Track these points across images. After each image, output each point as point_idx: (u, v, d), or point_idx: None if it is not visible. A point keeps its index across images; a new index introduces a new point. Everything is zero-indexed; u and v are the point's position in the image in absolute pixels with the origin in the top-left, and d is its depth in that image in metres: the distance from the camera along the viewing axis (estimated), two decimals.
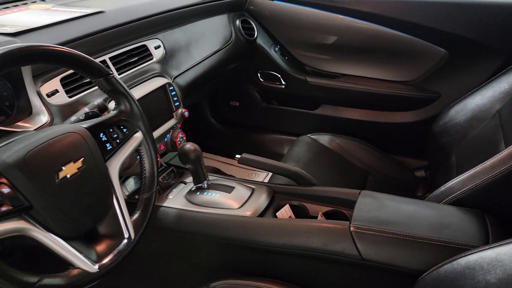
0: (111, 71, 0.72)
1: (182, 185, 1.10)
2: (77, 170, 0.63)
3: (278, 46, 1.71)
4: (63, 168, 0.61)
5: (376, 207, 0.91)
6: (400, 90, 1.55)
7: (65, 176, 0.61)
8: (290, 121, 1.79)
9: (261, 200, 1.01)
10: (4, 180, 0.56)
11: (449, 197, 0.93)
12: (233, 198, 1.02)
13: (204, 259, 1.00)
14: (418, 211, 0.89)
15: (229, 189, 1.04)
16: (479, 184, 0.89)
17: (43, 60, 0.62)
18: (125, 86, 0.74)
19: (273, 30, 1.69)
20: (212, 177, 1.09)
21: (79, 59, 0.66)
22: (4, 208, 0.55)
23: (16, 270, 0.54)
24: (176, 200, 1.04)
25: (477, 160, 0.92)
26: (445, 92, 1.48)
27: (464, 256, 0.66)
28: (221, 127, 1.93)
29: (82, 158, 0.64)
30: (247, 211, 0.97)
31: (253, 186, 1.06)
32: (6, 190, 0.55)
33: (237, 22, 1.58)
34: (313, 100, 1.72)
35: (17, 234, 0.57)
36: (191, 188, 1.07)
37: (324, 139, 1.49)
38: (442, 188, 0.96)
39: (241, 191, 1.04)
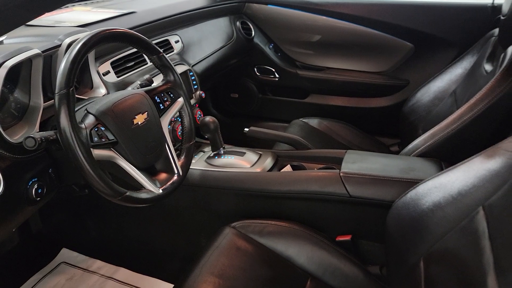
0: (161, 51, 0.96)
1: (202, 153, 1.34)
2: (144, 120, 0.87)
3: (272, 44, 1.97)
4: (136, 117, 0.85)
5: (360, 159, 1.16)
6: (375, 79, 1.82)
7: (137, 123, 0.85)
8: (284, 109, 2.04)
9: (267, 161, 1.26)
10: (99, 122, 0.79)
11: (415, 152, 1.20)
12: (245, 160, 1.26)
13: (224, 208, 1.23)
14: (391, 161, 1.15)
15: (241, 154, 1.28)
16: (437, 140, 1.16)
17: (119, 40, 0.86)
18: (171, 62, 0.98)
19: (267, 30, 1.95)
20: (227, 146, 1.33)
21: (142, 40, 0.90)
22: (103, 140, 0.78)
23: (111, 181, 0.77)
24: (198, 163, 1.27)
25: None
26: (413, 79, 1.76)
27: (422, 183, 0.92)
28: (223, 117, 2.16)
29: (146, 112, 0.88)
30: (257, 169, 1.22)
31: (260, 152, 1.31)
32: (103, 128, 0.79)
33: (238, 23, 1.84)
34: (303, 90, 1.99)
35: (108, 160, 0.80)
36: (210, 155, 1.30)
37: (313, 122, 1.75)
38: (410, 146, 1.23)
39: (251, 155, 1.28)
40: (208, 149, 1.34)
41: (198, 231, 1.29)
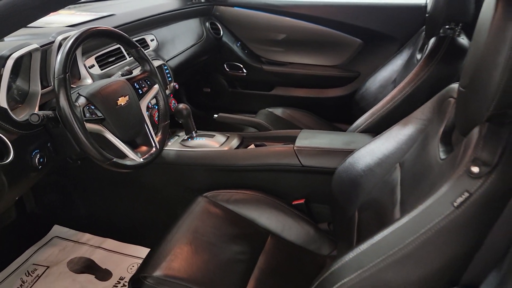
0: (139, 46, 1.15)
1: (176, 137, 1.53)
2: (126, 102, 1.05)
3: (239, 43, 2.18)
4: (119, 99, 1.03)
5: (311, 136, 1.38)
6: (331, 72, 2.05)
7: (120, 104, 1.03)
8: (251, 101, 2.24)
9: (234, 141, 1.46)
10: (90, 102, 0.98)
11: (358, 129, 1.42)
12: (214, 141, 1.46)
13: (197, 182, 1.42)
14: (337, 136, 1.37)
15: (211, 136, 1.48)
16: (374, 119, 1.38)
17: (104, 36, 1.05)
18: (147, 55, 1.17)
19: (234, 30, 2.16)
20: (198, 131, 1.52)
21: (123, 36, 1.09)
22: (93, 116, 0.97)
23: (102, 148, 0.95)
24: (174, 145, 1.46)
25: None
26: (363, 71, 1.99)
27: (357, 151, 1.13)
28: (196, 110, 2.35)
29: (128, 95, 1.06)
30: (225, 148, 1.42)
31: (228, 134, 1.51)
32: (93, 107, 0.97)
33: (207, 24, 2.04)
34: (268, 84, 2.20)
35: (98, 133, 0.98)
36: (183, 138, 1.49)
37: (278, 111, 1.95)
38: (354, 124, 1.45)
39: (219, 137, 1.48)
40: (182, 133, 1.53)
41: (175, 204, 1.47)
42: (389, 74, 1.73)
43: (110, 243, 1.50)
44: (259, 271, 1.09)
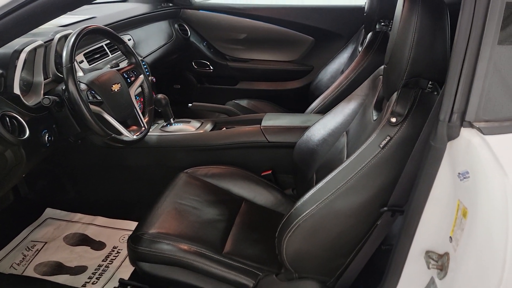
0: (125, 41, 1.35)
1: (156, 124, 1.72)
2: (119, 88, 1.24)
3: (206, 42, 2.39)
4: (113, 86, 1.23)
5: (275, 118, 1.61)
6: (288, 67, 2.31)
7: (114, 90, 1.23)
8: (219, 95, 2.45)
9: (208, 126, 1.67)
10: (89, 88, 1.16)
11: (313, 110, 1.68)
12: (190, 125, 1.66)
13: (177, 162, 1.61)
14: (296, 117, 1.62)
15: (187, 122, 1.69)
16: (326, 101, 1.65)
17: (99, 33, 1.24)
18: (133, 50, 1.37)
19: (201, 31, 2.37)
20: (176, 119, 1.72)
21: (113, 34, 1.29)
22: (94, 99, 1.16)
23: (101, 125, 1.13)
24: (155, 131, 1.65)
25: None
26: (316, 64, 2.26)
27: (313, 126, 1.37)
28: None
29: (120, 83, 1.26)
30: (200, 131, 1.63)
31: (202, 120, 1.72)
32: (93, 91, 1.16)
33: (176, 25, 2.25)
34: (233, 79, 2.43)
35: (98, 113, 1.17)
36: (163, 124, 1.69)
37: (243, 102, 2.18)
38: (309, 107, 1.71)
39: (194, 123, 1.69)
40: (161, 121, 1.72)
41: (159, 181, 1.64)
42: (337, 66, 2.01)
43: (101, 219, 1.66)
44: (236, 228, 1.30)
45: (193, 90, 2.48)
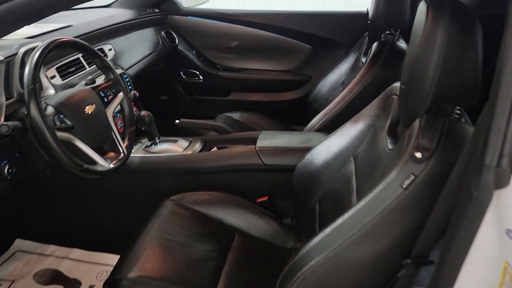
0: (102, 55, 1.18)
1: (139, 143, 1.56)
2: (93, 110, 1.08)
3: (195, 50, 2.23)
4: (86, 107, 1.06)
5: (271, 137, 1.46)
6: (284, 77, 2.16)
7: (88, 112, 1.06)
8: (209, 107, 2.30)
9: (197, 145, 1.51)
10: (58, 111, 1.00)
11: (313, 128, 1.52)
12: (177, 145, 1.50)
13: (163, 187, 1.45)
14: (295, 136, 1.47)
15: (174, 141, 1.53)
16: (327, 118, 1.50)
17: (70, 46, 1.07)
18: (111, 64, 1.20)
19: (189, 39, 2.21)
20: (161, 136, 1.56)
21: (88, 47, 1.12)
22: (63, 124, 0.99)
23: (73, 156, 0.97)
24: (137, 152, 1.49)
25: None
26: (314, 74, 2.12)
27: (314, 148, 1.23)
28: (154, 118, 2.36)
29: (94, 104, 1.09)
30: (188, 152, 1.47)
31: (190, 139, 1.56)
32: (61, 115, 1.00)
33: (162, 33, 2.08)
34: (225, 89, 2.27)
35: (68, 140, 1.00)
36: (147, 144, 1.53)
37: (236, 115, 2.03)
38: (309, 124, 1.56)
39: (182, 142, 1.53)
40: (145, 140, 1.56)
41: (142, 209, 1.49)
42: (337, 77, 1.86)
43: (76, 252, 1.49)
44: (229, 266, 1.15)
45: (181, 101, 2.32)
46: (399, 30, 1.48)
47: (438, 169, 0.72)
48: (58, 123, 0.99)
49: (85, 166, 1.00)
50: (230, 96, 2.28)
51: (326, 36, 2.05)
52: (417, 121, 0.79)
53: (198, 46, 2.23)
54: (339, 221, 0.80)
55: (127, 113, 1.23)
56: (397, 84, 1.02)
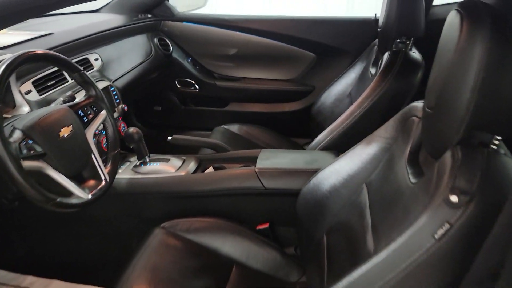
0: (82, 69, 1.04)
1: (128, 163, 1.42)
2: (69, 132, 0.94)
3: (190, 58, 2.10)
4: (62, 130, 0.92)
5: (272, 156, 1.33)
6: (286, 86, 2.03)
7: (63, 136, 0.92)
8: (206, 118, 2.17)
9: (191, 165, 1.38)
10: (27, 136, 0.86)
11: (318, 146, 1.39)
12: (170, 165, 1.36)
13: (153, 212, 1.32)
14: (298, 155, 1.33)
15: (166, 160, 1.39)
16: (334, 135, 1.36)
17: (41, 60, 0.93)
18: (91, 79, 1.07)
19: (184, 46, 2.08)
20: (151, 154, 1.42)
21: (63, 59, 0.98)
22: (31, 152, 0.85)
23: (43, 189, 0.84)
24: (125, 172, 1.35)
25: None
26: (317, 84, 1.99)
27: (321, 171, 1.10)
28: (147, 130, 2.23)
29: (71, 125, 0.95)
30: (181, 172, 1.33)
31: (184, 157, 1.42)
32: (30, 141, 0.86)
33: (155, 40, 1.94)
34: (222, 100, 2.14)
35: (38, 170, 0.87)
36: (136, 163, 1.39)
37: (234, 128, 1.89)
38: (314, 141, 1.42)
39: (175, 161, 1.39)
40: (134, 158, 1.42)
41: (130, 237, 1.36)
42: (343, 88, 1.73)
43: (57, 284, 1.34)
44: None
45: (176, 112, 2.19)
46: (412, 38, 1.35)
47: (479, 216, 0.59)
48: (25, 151, 0.85)
49: (58, 199, 0.86)
50: (228, 107, 2.14)
51: (331, 44, 1.92)
52: (448, 154, 0.66)
53: (193, 53, 2.10)
54: (356, 274, 0.66)
55: (110, 134, 1.09)
56: (418, 104, 0.89)
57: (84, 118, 1.03)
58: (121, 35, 1.72)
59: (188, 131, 2.20)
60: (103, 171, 1.03)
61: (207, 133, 2.13)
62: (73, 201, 0.90)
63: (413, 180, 0.78)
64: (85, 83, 1.05)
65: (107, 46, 1.60)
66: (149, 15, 1.99)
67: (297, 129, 2.07)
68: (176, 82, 2.11)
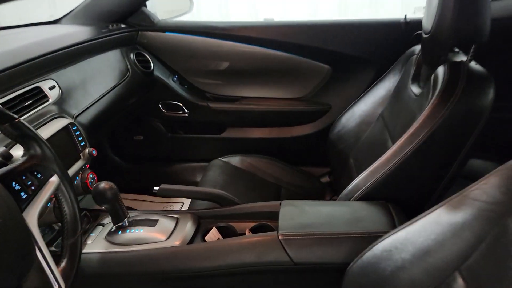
0: (16, 115, 0.67)
1: (100, 227, 1.04)
2: None
3: (176, 76, 1.74)
4: None
5: (298, 214, 0.97)
6: (295, 106, 1.69)
7: None
8: (199, 148, 1.82)
9: (188, 227, 1.01)
10: None
11: (357, 194, 1.04)
12: (158, 230, 0.99)
13: None
14: (334, 210, 0.98)
15: (152, 223, 1.02)
16: (379, 178, 1.01)
17: None
18: (33, 129, 0.69)
19: (168, 61, 1.72)
20: (132, 214, 1.05)
21: None
22: None
23: None
24: (96, 244, 0.98)
25: (372, 159, 1.05)
26: (335, 103, 1.65)
27: (380, 242, 0.75)
28: (126, 164, 1.86)
29: None
30: (175, 241, 0.96)
31: (176, 216, 1.05)
32: None
33: (131, 55, 1.57)
34: (218, 125, 1.79)
35: None
36: (111, 229, 1.01)
37: (235, 160, 1.54)
38: (350, 187, 1.07)
39: (165, 223, 1.02)
40: (108, 220, 1.05)
41: None
42: (371, 108, 1.39)
43: None
44: None
45: (161, 141, 1.82)
46: (473, 46, 1.01)
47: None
48: None
49: None
50: (225, 134, 1.79)
51: (349, 53, 1.59)
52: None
53: (180, 70, 1.74)
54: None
55: (67, 212, 0.72)
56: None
57: (22, 193, 0.66)
58: (87, 53, 1.34)
59: (179, 163, 1.84)
60: (54, 273, 0.66)
61: (203, 164, 1.78)
62: None
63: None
64: (23, 137, 0.68)
65: (68, 69, 1.22)
66: (122, 25, 1.62)
67: (311, 156, 1.74)
68: (160, 106, 1.75)
